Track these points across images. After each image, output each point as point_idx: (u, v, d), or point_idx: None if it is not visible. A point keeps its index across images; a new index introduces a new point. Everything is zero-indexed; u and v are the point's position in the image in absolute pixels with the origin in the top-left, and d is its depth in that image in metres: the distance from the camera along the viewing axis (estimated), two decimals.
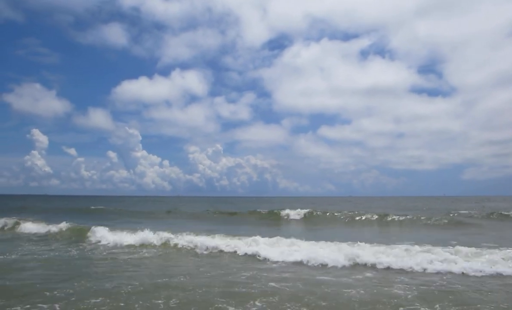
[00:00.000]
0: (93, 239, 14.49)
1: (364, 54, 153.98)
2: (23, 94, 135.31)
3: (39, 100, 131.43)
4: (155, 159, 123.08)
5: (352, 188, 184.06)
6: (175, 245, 12.90)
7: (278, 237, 12.50)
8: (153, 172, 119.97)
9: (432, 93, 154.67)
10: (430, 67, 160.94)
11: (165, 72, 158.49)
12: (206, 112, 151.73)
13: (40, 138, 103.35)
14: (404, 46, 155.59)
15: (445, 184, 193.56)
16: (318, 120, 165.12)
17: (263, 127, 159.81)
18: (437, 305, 6.15)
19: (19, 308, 6.04)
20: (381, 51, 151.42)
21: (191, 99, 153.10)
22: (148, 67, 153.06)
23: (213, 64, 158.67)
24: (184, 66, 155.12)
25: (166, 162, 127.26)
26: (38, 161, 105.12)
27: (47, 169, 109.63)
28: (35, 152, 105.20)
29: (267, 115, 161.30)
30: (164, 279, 8.02)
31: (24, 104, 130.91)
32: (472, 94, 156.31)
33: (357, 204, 51.20)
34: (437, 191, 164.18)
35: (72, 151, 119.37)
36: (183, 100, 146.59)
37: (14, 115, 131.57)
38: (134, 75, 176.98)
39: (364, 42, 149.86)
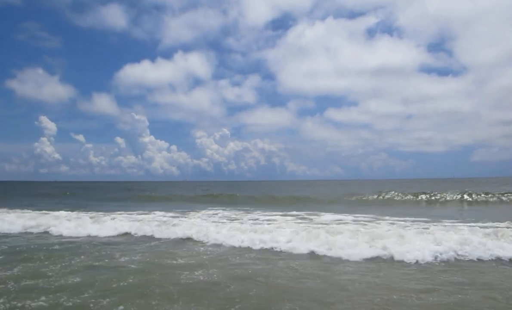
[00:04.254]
0: None
1: (371, 33, 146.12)
2: (27, 80, 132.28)
3: (43, 86, 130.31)
4: (163, 144, 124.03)
5: (360, 171, 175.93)
6: None
7: None
8: (161, 157, 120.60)
9: (442, 72, 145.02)
10: (440, 45, 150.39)
11: (168, 54, 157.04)
12: (211, 96, 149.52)
13: (49, 125, 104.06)
14: (413, 23, 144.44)
15: (455, 166, 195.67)
16: (325, 102, 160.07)
17: (269, 110, 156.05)
18: None
19: None
20: (389, 29, 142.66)
21: (195, 82, 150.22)
22: (150, 50, 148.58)
23: (216, 46, 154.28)
24: (186, 48, 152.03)
25: (174, 147, 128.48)
26: (47, 148, 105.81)
27: (56, 155, 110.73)
28: (44, 139, 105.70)
29: (273, 98, 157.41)
30: None
31: (28, 90, 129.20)
32: (484, 72, 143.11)
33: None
34: (447, 173, 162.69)
35: (81, 138, 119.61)
36: (186, 83, 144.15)
37: (20, 102, 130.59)
38: (136, 59, 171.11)
39: (371, 20, 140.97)
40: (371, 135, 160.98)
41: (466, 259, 7.83)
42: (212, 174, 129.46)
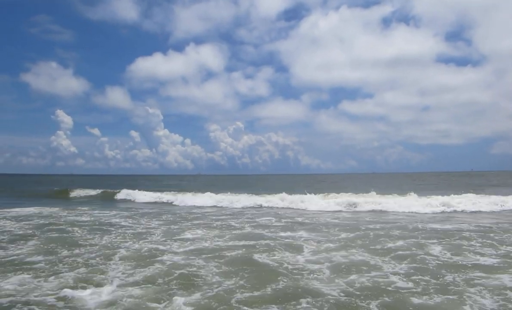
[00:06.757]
0: None
1: (386, 22, 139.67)
2: (41, 73, 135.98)
3: (57, 79, 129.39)
4: (177, 138, 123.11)
5: (375, 164, 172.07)
6: None
7: None
8: (175, 151, 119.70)
9: (461, 62, 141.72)
10: (458, 34, 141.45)
11: (179, 47, 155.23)
12: (224, 89, 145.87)
13: (65, 118, 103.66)
14: (430, 11, 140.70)
15: (473, 159, 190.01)
16: (339, 94, 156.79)
17: (283, 103, 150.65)
18: None
19: None
20: (405, 17, 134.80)
21: (208, 75, 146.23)
22: (161, 43, 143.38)
23: (228, 38, 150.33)
24: (198, 40, 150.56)
25: (188, 141, 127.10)
26: (63, 141, 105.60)
27: (73, 149, 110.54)
28: (60, 133, 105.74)
29: (286, 90, 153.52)
30: None
31: (42, 83, 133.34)
32: (504, 62, 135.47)
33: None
34: (465, 166, 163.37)
35: (96, 131, 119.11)
36: (199, 76, 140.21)
37: (35, 96, 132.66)
38: (147, 52, 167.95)
39: (386, 9, 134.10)
40: (386, 127, 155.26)
41: None
42: (226, 168, 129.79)
